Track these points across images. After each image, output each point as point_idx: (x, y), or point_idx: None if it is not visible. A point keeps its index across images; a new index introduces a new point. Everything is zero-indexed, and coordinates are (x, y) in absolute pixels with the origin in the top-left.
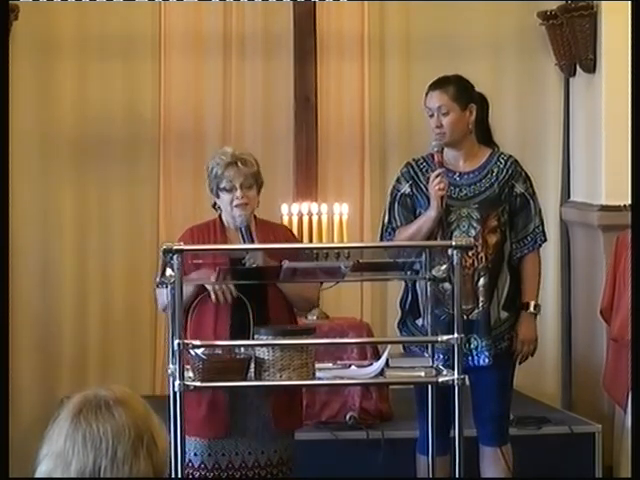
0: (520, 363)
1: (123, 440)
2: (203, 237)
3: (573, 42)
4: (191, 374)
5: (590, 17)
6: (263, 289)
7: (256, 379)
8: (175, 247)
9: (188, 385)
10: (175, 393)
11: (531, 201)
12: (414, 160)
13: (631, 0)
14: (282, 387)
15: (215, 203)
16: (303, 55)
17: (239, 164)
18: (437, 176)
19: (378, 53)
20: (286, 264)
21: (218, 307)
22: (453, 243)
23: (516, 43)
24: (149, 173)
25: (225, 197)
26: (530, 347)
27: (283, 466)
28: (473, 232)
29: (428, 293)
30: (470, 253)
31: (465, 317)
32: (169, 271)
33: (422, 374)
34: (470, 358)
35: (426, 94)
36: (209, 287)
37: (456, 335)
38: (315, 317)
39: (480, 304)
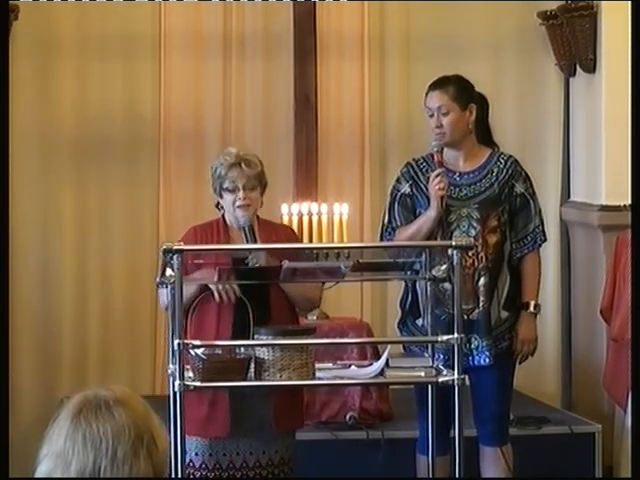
0: (520, 363)
1: (123, 440)
2: (206, 237)
3: (573, 42)
4: (191, 374)
5: (590, 17)
6: (265, 289)
7: (256, 379)
8: (175, 247)
9: (188, 385)
10: (175, 393)
11: (531, 201)
12: (414, 160)
13: (631, 0)
14: (282, 387)
15: (218, 203)
16: (303, 55)
17: (243, 165)
18: (437, 176)
19: (378, 53)
20: (286, 264)
21: (221, 307)
22: (453, 243)
23: (516, 43)
24: (149, 173)
25: (228, 197)
26: (530, 347)
27: (284, 466)
28: (473, 232)
29: (428, 293)
30: (470, 253)
31: (465, 317)
32: (169, 271)
33: (422, 374)
34: (470, 358)
35: (426, 94)
36: (212, 287)
37: (456, 335)
38: (315, 317)
39: (480, 304)
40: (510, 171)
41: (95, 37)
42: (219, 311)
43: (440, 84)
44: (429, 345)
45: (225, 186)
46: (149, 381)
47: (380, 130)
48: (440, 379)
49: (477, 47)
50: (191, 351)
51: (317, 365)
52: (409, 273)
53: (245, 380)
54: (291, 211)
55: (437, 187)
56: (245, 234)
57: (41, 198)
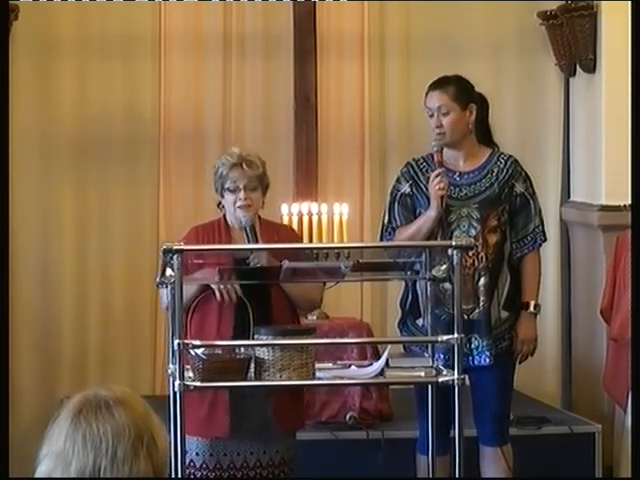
0: (520, 363)
1: (123, 440)
2: (208, 237)
3: (573, 42)
4: (191, 374)
5: (590, 17)
6: (266, 289)
7: (256, 379)
8: (175, 247)
9: (188, 385)
10: (175, 393)
11: (531, 201)
12: (414, 160)
13: (631, 0)
14: (282, 387)
15: (220, 202)
16: (303, 55)
17: (244, 166)
18: (437, 176)
19: (378, 53)
20: (286, 264)
21: (222, 307)
22: (453, 243)
23: (516, 43)
24: (149, 173)
25: (229, 197)
26: (530, 347)
27: (285, 466)
28: (473, 232)
29: (428, 293)
30: (470, 253)
31: (465, 317)
32: (169, 271)
33: (422, 374)
34: (471, 358)
35: (426, 94)
36: (214, 286)
37: (456, 335)
38: (315, 317)
39: (480, 304)
40: (510, 171)
41: (95, 37)
42: (220, 311)
43: (440, 84)
44: (429, 345)
45: (226, 186)
46: (149, 381)
47: (380, 130)
48: (440, 379)
49: (477, 47)
50: (191, 351)
51: (317, 365)
52: (409, 273)
53: (245, 380)
54: (291, 211)
55: (437, 187)
56: (246, 234)
57: (41, 198)
